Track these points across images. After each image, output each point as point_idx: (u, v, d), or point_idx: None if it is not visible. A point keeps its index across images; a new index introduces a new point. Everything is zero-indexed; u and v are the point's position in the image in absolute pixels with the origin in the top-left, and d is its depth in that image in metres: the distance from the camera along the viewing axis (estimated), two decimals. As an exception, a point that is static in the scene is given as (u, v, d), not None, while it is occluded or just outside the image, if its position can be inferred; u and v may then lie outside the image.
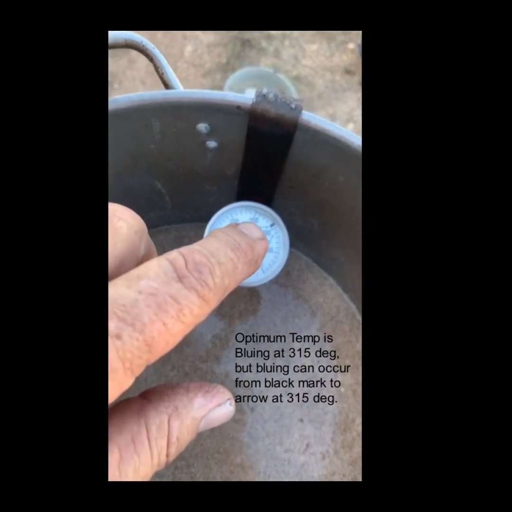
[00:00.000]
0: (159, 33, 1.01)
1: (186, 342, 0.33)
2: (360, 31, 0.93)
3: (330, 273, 0.35)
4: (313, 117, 0.22)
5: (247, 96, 0.22)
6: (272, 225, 0.27)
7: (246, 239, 0.18)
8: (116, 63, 0.97)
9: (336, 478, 0.32)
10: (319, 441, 0.33)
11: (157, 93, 0.21)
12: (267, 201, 0.29)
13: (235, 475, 0.32)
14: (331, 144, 0.22)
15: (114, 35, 0.22)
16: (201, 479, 0.32)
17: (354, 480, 0.32)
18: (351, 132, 0.22)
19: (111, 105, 0.22)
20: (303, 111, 0.22)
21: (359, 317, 0.35)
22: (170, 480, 0.31)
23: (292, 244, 0.35)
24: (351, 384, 0.33)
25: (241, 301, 0.35)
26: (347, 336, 0.34)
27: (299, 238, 0.34)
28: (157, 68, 0.22)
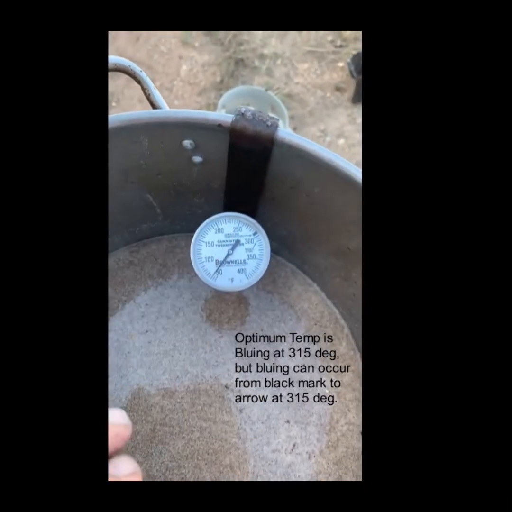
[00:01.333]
0: (156, 54, 1.04)
1: (177, 347, 0.35)
2: (350, 51, 0.96)
3: (314, 280, 0.37)
4: (287, 134, 0.24)
5: (227, 115, 0.24)
6: (255, 233, 0.29)
7: None
8: (114, 82, 1.00)
9: (322, 477, 0.33)
10: (305, 442, 0.34)
11: (144, 113, 0.23)
12: (252, 211, 0.31)
13: (224, 475, 0.33)
14: (305, 158, 0.24)
15: (105, 61, 0.24)
16: (191, 480, 0.33)
17: (338, 479, 0.33)
18: (322, 147, 0.24)
19: (103, 124, 0.24)
20: (279, 128, 0.24)
21: (342, 322, 0.36)
22: (162, 480, 0.33)
23: (278, 252, 0.36)
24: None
25: (230, 308, 0.36)
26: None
27: (284, 246, 0.35)
28: (144, 90, 0.24)
